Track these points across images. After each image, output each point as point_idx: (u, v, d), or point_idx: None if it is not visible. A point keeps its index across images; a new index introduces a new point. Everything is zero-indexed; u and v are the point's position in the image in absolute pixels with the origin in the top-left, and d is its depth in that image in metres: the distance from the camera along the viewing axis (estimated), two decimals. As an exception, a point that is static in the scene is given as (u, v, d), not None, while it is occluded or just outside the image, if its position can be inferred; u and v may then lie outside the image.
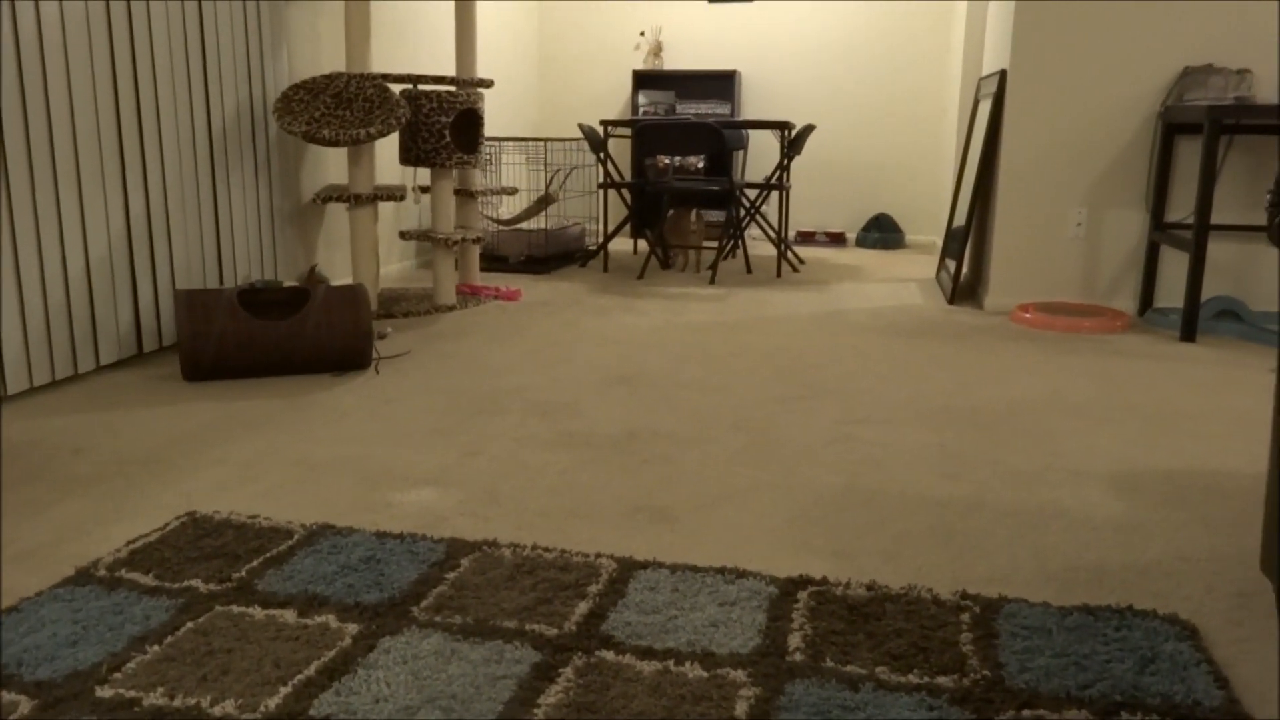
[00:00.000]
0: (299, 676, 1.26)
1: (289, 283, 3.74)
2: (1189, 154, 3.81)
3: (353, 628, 1.39)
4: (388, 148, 4.64)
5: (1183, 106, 3.59)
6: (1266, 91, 3.68)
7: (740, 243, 5.34)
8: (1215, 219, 3.80)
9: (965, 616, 1.44)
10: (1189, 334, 3.50)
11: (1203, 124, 3.38)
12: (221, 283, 3.37)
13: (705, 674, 1.28)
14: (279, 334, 2.78)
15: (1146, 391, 2.81)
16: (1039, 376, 2.96)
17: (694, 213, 5.02)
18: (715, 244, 5.20)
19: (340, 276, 4.26)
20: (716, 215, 6.18)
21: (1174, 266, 3.89)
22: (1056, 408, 2.62)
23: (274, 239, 3.66)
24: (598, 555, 1.64)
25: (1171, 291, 3.91)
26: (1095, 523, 1.83)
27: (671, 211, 5.08)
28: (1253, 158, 3.77)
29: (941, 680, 1.28)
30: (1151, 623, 1.43)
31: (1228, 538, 1.77)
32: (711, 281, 4.71)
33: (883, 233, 6.22)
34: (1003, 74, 3.98)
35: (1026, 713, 1.20)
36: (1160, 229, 3.80)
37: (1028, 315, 3.77)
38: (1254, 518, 1.87)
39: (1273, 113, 3.36)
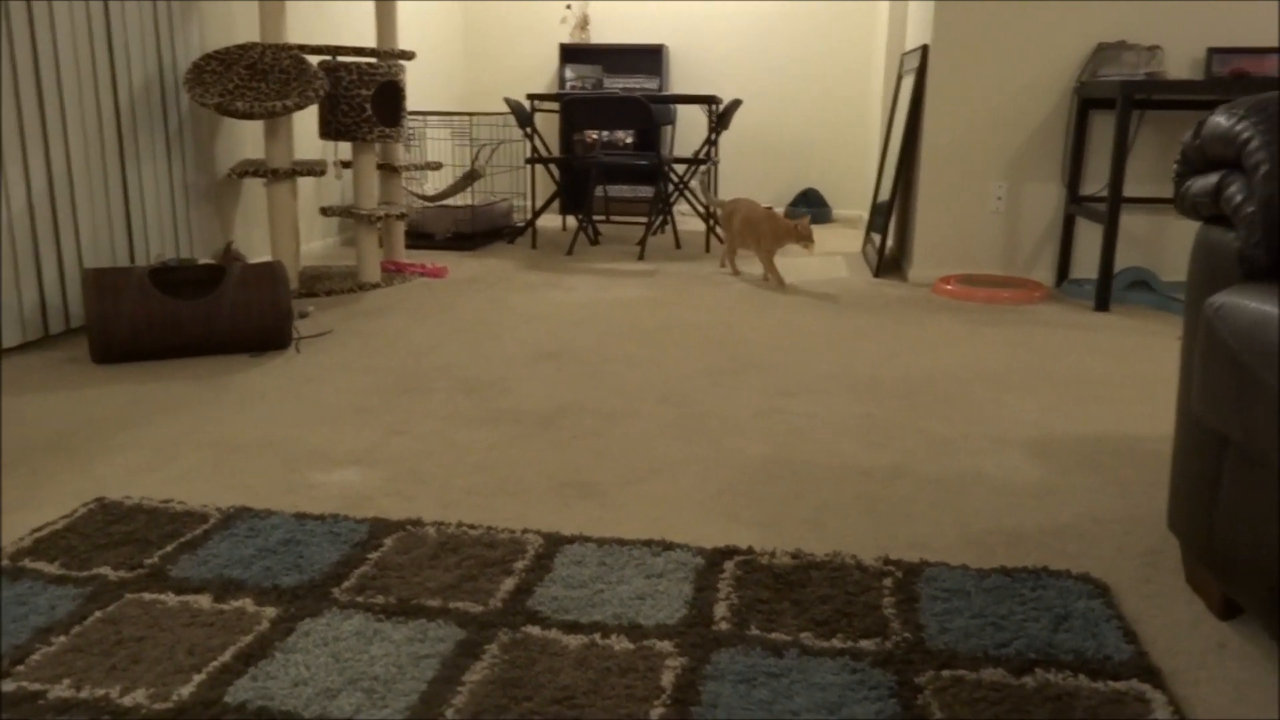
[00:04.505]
0: (214, 663, 1.23)
1: (204, 260, 3.62)
2: (1103, 128, 3.90)
3: (271, 611, 1.36)
4: (307, 121, 4.51)
5: (1097, 82, 3.67)
6: (1176, 67, 3.79)
7: (669, 218, 5.34)
8: (1128, 192, 3.91)
9: (888, 581, 1.47)
10: (1103, 304, 3.60)
11: (1115, 99, 3.46)
12: (132, 261, 3.24)
13: (632, 646, 1.28)
14: (193, 314, 2.70)
15: (1063, 360, 2.88)
16: (961, 347, 3.02)
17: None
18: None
19: (259, 255, 4.15)
20: (645, 191, 6.17)
21: (1089, 238, 4.00)
22: (977, 377, 2.67)
23: (188, 215, 3.54)
24: (524, 531, 1.63)
25: (1087, 263, 4.01)
26: (1014, 487, 1.88)
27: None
28: (1163, 132, 3.88)
29: (864, 644, 1.29)
30: (1065, 582, 1.47)
31: (1139, 499, 1.83)
32: (640, 257, 4.70)
33: (810, 207, 6.27)
34: (924, 49, 4.02)
35: (945, 673, 1.23)
36: (1076, 202, 3.89)
37: (949, 287, 3.84)
38: (1164, 479, 1.93)
39: (1182, 88, 3.46)
